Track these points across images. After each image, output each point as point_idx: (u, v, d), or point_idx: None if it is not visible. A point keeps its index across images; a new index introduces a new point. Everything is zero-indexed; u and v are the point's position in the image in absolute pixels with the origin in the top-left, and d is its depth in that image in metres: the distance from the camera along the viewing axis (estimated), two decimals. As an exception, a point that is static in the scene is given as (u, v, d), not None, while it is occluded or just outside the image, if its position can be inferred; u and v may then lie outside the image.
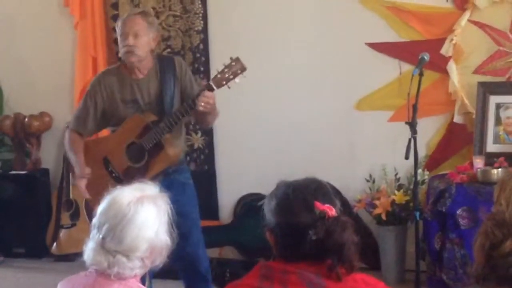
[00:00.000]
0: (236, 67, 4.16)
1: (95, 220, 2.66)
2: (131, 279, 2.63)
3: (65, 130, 6.68)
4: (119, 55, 4.54)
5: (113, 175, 4.55)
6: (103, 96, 4.52)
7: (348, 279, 2.30)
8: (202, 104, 4.14)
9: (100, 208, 2.66)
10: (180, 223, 4.46)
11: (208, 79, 6.22)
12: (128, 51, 4.39)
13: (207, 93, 4.13)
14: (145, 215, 2.61)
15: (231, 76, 4.15)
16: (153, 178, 4.23)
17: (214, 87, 4.15)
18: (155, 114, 4.40)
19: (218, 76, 4.17)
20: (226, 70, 4.16)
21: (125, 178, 4.44)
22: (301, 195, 2.35)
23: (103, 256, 2.59)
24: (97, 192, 4.57)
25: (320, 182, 2.44)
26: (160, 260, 2.69)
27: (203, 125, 4.52)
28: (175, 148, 4.39)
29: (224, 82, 4.16)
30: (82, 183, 4.50)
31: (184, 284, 4.73)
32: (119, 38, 4.48)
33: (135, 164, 4.43)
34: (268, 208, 2.40)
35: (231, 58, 4.21)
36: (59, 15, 6.88)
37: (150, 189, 2.74)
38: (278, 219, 2.36)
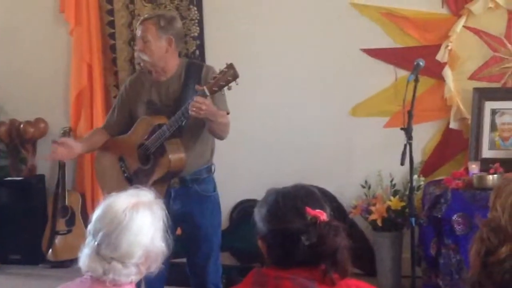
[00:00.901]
0: (228, 74, 4.10)
1: (90, 227, 2.65)
2: (126, 286, 2.62)
3: (60, 136, 6.73)
4: None
5: (125, 174, 4.56)
6: (129, 97, 4.58)
7: (341, 285, 2.31)
8: (194, 109, 4.09)
9: (95, 215, 2.66)
10: (191, 234, 4.47)
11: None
12: (138, 56, 4.51)
13: (197, 98, 4.09)
14: (140, 221, 2.60)
15: (223, 83, 4.11)
16: (158, 183, 4.22)
17: (207, 93, 4.12)
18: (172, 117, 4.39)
19: (211, 81, 4.14)
20: (218, 76, 4.13)
21: (134, 178, 4.48)
22: (291, 202, 2.36)
23: (98, 262, 2.58)
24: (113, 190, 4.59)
25: (309, 188, 2.45)
26: (155, 266, 2.68)
27: (214, 136, 4.45)
28: (179, 154, 4.31)
29: (216, 88, 4.11)
30: (59, 147, 4.52)
31: None
32: None
33: (143, 166, 4.43)
34: (259, 217, 2.41)
35: (226, 64, 4.19)
36: (54, 21, 6.88)
37: (146, 195, 2.73)
38: (270, 227, 2.37)
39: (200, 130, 4.39)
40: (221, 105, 4.35)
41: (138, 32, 4.46)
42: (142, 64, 4.54)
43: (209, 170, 4.55)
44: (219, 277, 4.61)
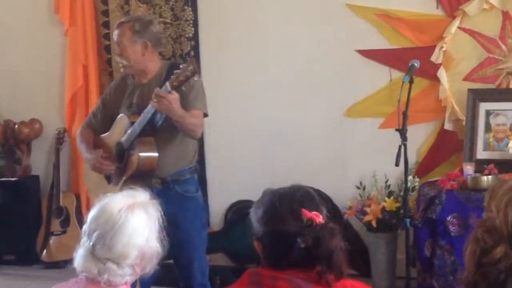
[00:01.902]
0: (187, 70, 4.08)
1: (85, 227, 2.66)
2: (121, 286, 2.62)
3: (55, 136, 6.72)
4: None
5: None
6: (112, 100, 4.61)
7: (337, 285, 2.30)
8: (155, 100, 4.10)
9: (90, 215, 2.66)
10: (173, 235, 4.45)
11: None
12: (117, 61, 4.54)
13: (158, 90, 4.10)
14: (135, 222, 2.61)
15: (182, 78, 4.11)
16: (131, 182, 4.19)
17: (169, 88, 4.11)
18: None
19: (172, 77, 4.14)
20: (179, 71, 4.13)
21: (111, 176, 4.51)
22: (287, 203, 2.36)
23: (93, 263, 2.59)
24: (96, 189, 4.61)
25: (305, 189, 2.44)
26: (150, 267, 2.68)
27: (185, 134, 4.42)
28: (150, 153, 4.33)
29: (176, 84, 4.09)
30: (97, 164, 4.52)
31: None
32: None
33: (119, 164, 4.45)
34: (255, 218, 2.40)
35: (188, 59, 4.21)
36: (49, 21, 6.87)
37: (141, 196, 2.73)
38: (266, 228, 2.36)
39: (177, 130, 4.37)
40: (195, 104, 4.35)
41: (115, 37, 4.50)
42: (122, 70, 4.56)
43: (192, 171, 4.54)
44: (206, 278, 4.60)
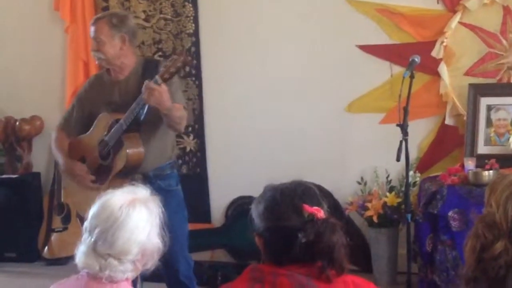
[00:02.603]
0: (178, 61, 4.09)
1: (86, 224, 2.66)
2: (122, 282, 2.62)
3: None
4: None
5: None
6: (88, 98, 4.58)
7: (338, 281, 2.31)
8: (146, 93, 4.08)
9: (91, 211, 2.66)
10: None
11: (200, 82, 6.23)
12: (93, 56, 4.53)
13: (148, 82, 4.10)
14: (136, 218, 2.61)
15: (173, 70, 4.10)
16: (118, 179, 4.22)
17: (159, 81, 4.11)
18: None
19: (162, 70, 4.14)
20: (169, 63, 4.12)
21: (96, 175, 4.48)
22: (288, 199, 2.36)
23: (94, 259, 2.59)
24: (77, 191, 4.59)
25: (306, 185, 2.44)
26: (151, 263, 2.69)
27: (170, 129, 4.40)
28: (137, 148, 4.33)
29: (167, 76, 4.09)
30: (76, 172, 4.52)
31: None
32: None
33: (104, 162, 4.43)
34: (256, 213, 2.40)
35: (178, 52, 4.19)
36: (49, 18, 6.88)
37: (142, 192, 2.73)
38: (267, 224, 2.36)
39: (157, 125, 4.37)
40: (175, 98, 4.33)
41: (91, 33, 4.48)
42: (97, 62, 4.55)
43: (172, 166, 4.57)
44: (191, 270, 4.60)
